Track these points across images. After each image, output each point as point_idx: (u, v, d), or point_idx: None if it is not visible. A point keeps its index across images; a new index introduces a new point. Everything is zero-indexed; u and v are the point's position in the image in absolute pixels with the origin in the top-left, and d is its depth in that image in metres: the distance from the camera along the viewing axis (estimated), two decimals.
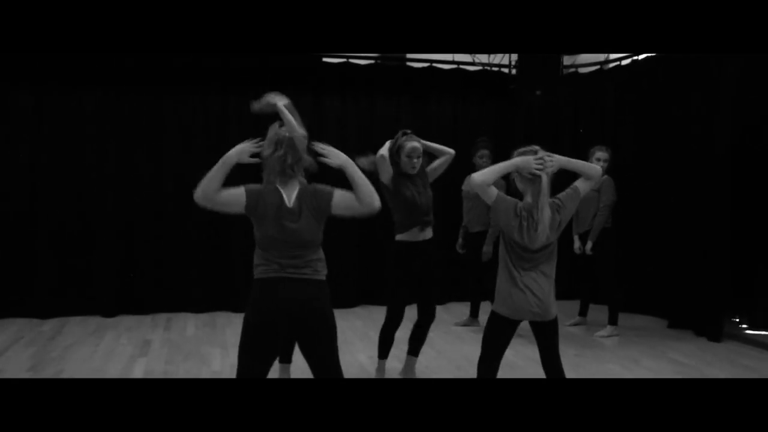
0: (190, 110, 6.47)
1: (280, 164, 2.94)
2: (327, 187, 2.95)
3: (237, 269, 6.47)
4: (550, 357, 3.36)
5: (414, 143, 4.16)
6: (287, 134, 3.04)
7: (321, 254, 2.96)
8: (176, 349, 5.24)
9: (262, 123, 6.54)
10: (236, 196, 2.92)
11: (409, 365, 4.40)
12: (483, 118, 6.99)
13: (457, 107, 6.98)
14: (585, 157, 5.84)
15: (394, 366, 4.59)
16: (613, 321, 5.74)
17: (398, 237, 4.25)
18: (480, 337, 3.50)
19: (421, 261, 4.23)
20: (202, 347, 5.34)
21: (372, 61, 6.82)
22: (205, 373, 4.65)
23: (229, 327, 5.99)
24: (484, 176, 3.19)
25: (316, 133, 4.35)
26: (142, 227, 6.40)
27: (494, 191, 3.21)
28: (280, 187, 2.93)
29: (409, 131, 4.22)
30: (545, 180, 3.20)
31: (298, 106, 6.55)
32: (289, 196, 2.91)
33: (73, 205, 6.24)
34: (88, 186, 6.28)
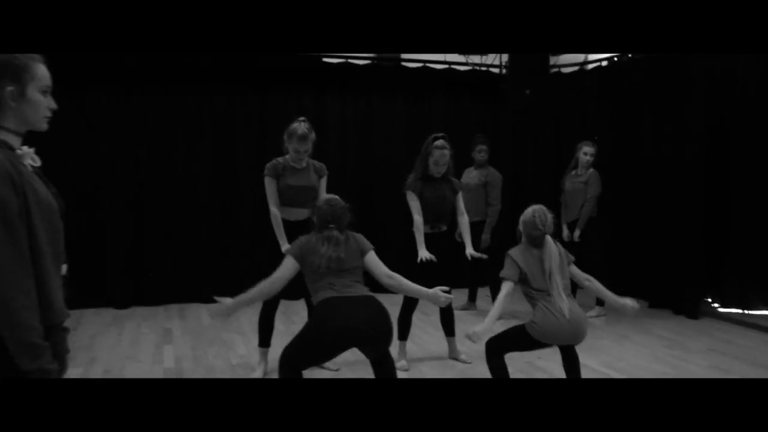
0: (194, 109, 6.69)
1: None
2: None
3: (244, 261, 6.74)
4: (571, 361, 3.76)
5: (442, 151, 4.56)
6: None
7: None
8: (198, 337, 5.51)
9: (266, 122, 6.90)
10: None
11: (451, 346, 4.90)
12: (473, 116, 7.41)
13: (450, 105, 7.39)
14: (572, 152, 6.35)
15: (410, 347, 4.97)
16: (600, 302, 6.23)
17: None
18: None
19: (437, 251, 4.64)
20: (222, 334, 5.61)
21: (369, 62, 7.17)
22: (233, 357, 4.95)
23: (243, 315, 6.24)
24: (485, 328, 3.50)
25: (318, 129, 4.74)
26: (152, 220, 6.61)
27: (510, 285, 3.58)
28: None
29: (441, 135, 4.61)
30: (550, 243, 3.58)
31: (300, 104, 6.94)
32: None
33: (84, 198, 6.40)
34: (99, 179, 6.44)
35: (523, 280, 3.61)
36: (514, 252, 3.67)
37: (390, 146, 7.18)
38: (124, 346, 5.19)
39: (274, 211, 4.43)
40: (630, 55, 6.77)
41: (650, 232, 6.61)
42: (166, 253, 6.64)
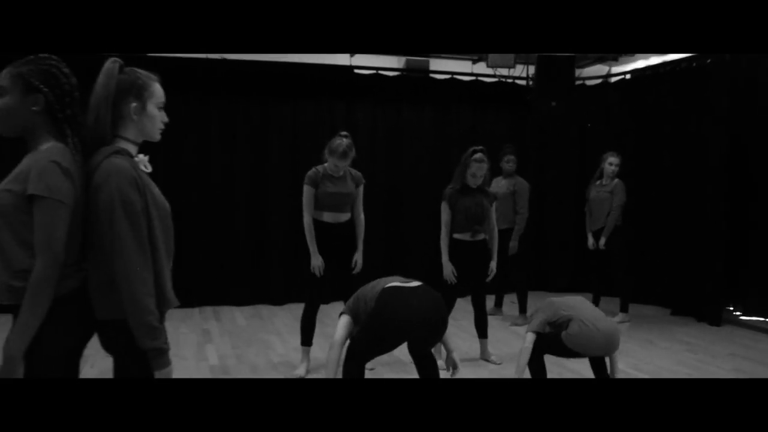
0: (230, 117, 6.92)
1: None
2: None
3: (274, 265, 6.97)
4: (598, 361, 3.99)
5: (480, 164, 4.80)
6: None
7: None
8: (236, 337, 5.71)
9: (299, 131, 7.14)
10: None
11: (483, 347, 5.12)
12: (499, 126, 7.61)
13: (476, 116, 7.59)
14: (596, 162, 6.54)
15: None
16: (624, 309, 6.39)
17: (455, 236, 4.87)
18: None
19: (472, 257, 4.87)
20: (259, 335, 5.82)
21: (399, 73, 7.40)
22: (273, 356, 5.15)
23: (276, 318, 6.48)
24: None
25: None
26: (188, 225, 6.83)
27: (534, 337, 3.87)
28: None
29: (480, 148, 4.84)
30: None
31: (332, 113, 7.19)
32: None
33: None
34: None
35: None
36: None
37: (418, 155, 7.40)
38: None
39: (308, 219, 4.62)
40: (652, 67, 6.97)
41: (673, 241, 6.78)
42: (199, 256, 6.84)
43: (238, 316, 6.57)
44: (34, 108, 2.04)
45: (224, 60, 6.80)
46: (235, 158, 6.90)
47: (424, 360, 3.66)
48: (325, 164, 4.67)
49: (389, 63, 7.41)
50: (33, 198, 1.94)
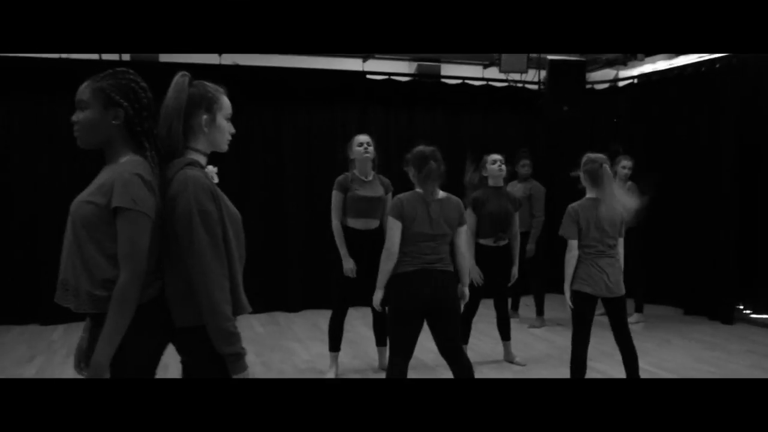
0: (246, 122, 6.94)
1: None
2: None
3: (291, 273, 7.01)
4: (620, 327, 4.07)
5: (495, 156, 4.89)
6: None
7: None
8: (258, 344, 5.73)
9: (314, 135, 7.18)
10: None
11: (507, 349, 5.18)
12: (509, 131, 7.69)
13: (487, 120, 7.67)
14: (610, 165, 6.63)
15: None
16: (639, 309, 6.48)
17: (480, 241, 4.94)
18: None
19: (495, 262, 4.94)
20: (281, 342, 5.84)
21: (411, 78, 7.46)
22: (298, 362, 5.18)
23: (294, 324, 6.52)
24: None
25: None
26: None
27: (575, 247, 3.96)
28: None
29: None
30: None
31: (346, 118, 7.24)
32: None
33: None
34: None
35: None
36: None
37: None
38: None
39: (336, 223, 4.68)
40: (660, 72, 7.08)
41: (684, 242, 6.89)
42: None
43: (255, 323, 6.59)
44: (114, 121, 2.09)
45: (237, 66, 6.83)
46: (250, 164, 6.93)
47: (454, 361, 3.67)
48: (354, 170, 4.73)
49: (401, 68, 7.48)
50: (118, 210, 1.98)
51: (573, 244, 3.93)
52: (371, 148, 4.74)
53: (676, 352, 5.41)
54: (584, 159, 4.03)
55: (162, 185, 2.08)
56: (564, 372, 4.71)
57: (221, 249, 2.05)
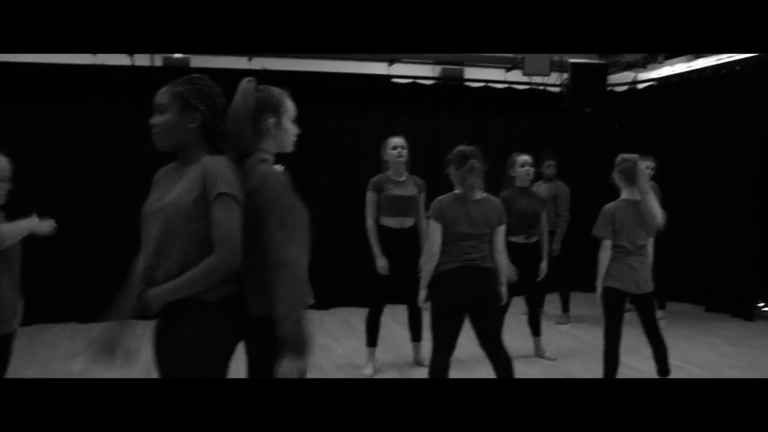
0: None
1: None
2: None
3: (321, 271, 7.13)
4: (649, 323, 4.24)
5: (525, 156, 5.04)
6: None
7: None
8: None
9: (342, 138, 7.34)
10: None
11: (537, 344, 5.34)
12: (532, 132, 7.84)
13: (510, 122, 7.83)
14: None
15: None
16: (662, 306, 6.59)
17: (510, 238, 5.08)
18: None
19: (526, 259, 5.08)
20: (316, 338, 5.97)
21: (435, 82, 7.63)
22: (335, 359, 5.33)
23: (325, 321, 6.66)
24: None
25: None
26: None
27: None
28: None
29: (517, 153, 5.13)
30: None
31: (372, 120, 7.39)
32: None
33: (135, 221, 6.79)
34: None
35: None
36: None
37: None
38: None
39: (370, 223, 4.83)
40: (679, 74, 7.23)
41: (705, 240, 7.03)
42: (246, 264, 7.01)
43: None
44: (191, 125, 2.21)
45: (266, 71, 6.99)
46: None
47: (496, 356, 3.82)
48: (388, 171, 4.88)
49: (425, 72, 7.64)
50: (220, 196, 2.09)
51: (607, 243, 4.07)
52: (405, 152, 4.90)
53: (701, 348, 5.55)
54: (618, 159, 4.17)
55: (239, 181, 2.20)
56: (593, 366, 4.88)
57: (298, 239, 2.19)
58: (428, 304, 3.81)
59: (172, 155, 2.28)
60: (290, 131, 2.41)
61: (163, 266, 2.16)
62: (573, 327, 6.40)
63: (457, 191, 3.76)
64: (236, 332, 2.23)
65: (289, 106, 2.40)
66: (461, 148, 3.83)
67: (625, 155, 4.19)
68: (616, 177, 4.17)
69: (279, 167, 2.43)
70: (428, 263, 3.73)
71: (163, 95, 2.23)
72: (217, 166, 2.15)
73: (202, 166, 2.17)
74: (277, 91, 2.38)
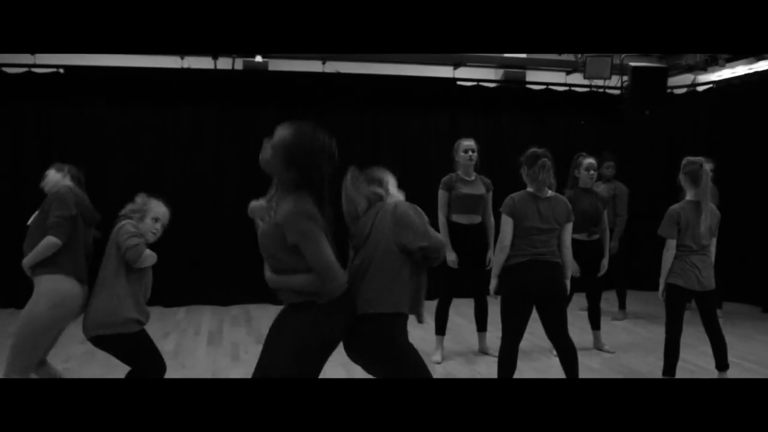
0: (346, 126, 7.49)
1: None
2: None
3: None
4: (709, 319, 4.46)
5: (590, 160, 5.30)
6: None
7: None
8: None
9: (409, 138, 7.68)
10: None
11: (597, 338, 5.61)
12: (591, 134, 8.05)
13: (570, 124, 8.06)
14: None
15: None
16: (718, 306, 6.74)
17: (573, 236, 5.36)
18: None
19: (588, 256, 5.34)
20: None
21: (498, 84, 7.92)
22: None
23: None
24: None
25: (451, 145, 5.43)
26: None
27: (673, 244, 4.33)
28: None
29: (584, 153, 5.36)
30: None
31: (438, 122, 7.72)
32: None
33: (212, 214, 7.30)
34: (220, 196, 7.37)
35: None
36: None
37: (516, 161, 7.87)
38: None
39: (442, 219, 5.17)
40: (740, 77, 7.34)
41: (764, 242, 7.13)
42: None
43: None
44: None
45: (339, 74, 7.41)
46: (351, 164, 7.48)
47: (562, 345, 4.11)
48: (458, 171, 5.22)
49: (488, 75, 7.93)
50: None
51: (671, 243, 4.30)
52: (475, 155, 5.22)
53: (759, 347, 5.72)
54: (684, 161, 4.39)
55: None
56: (651, 360, 5.14)
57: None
58: (494, 295, 4.13)
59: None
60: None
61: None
62: (629, 323, 6.62)
63: (528, 189, 4.06)
64: (338, 331, 2.64)
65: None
66: (534, 149, 4.13)
67: (691, 158, 4.40)
68: (682, 179, 4.39)
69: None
70: (499, 255, 4.04)
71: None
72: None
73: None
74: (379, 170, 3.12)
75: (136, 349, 3.42)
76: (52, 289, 3.36)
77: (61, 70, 7.00)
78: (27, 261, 3.42)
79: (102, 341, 3.35)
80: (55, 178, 3.64)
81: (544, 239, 3.97)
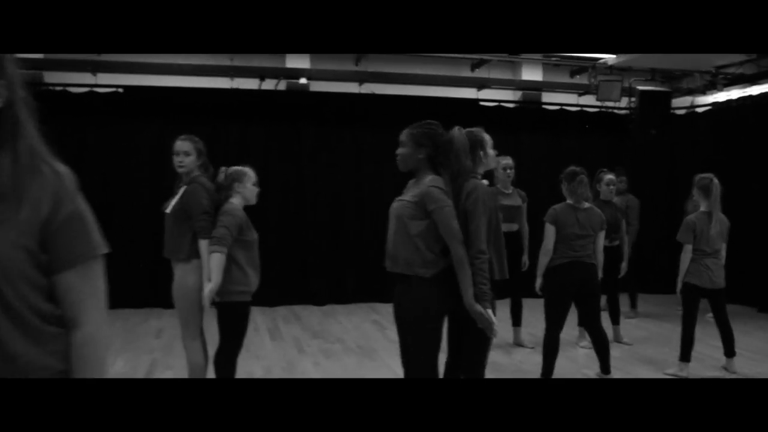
0: (379, 141, 8.16)
1: None
2: None
3: None
4: (720, 313, 5.20)
5: (610, 176, 6.01)
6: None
7: None
8: None
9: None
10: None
11: (616, 332, 6.29)
12: (600, 151, 8.77)
13: (581, 142, 8.79)
14: (688, 183, 7.69)
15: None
16: None
17: None
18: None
19: (609, 260, 6.01)
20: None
21: (516, 105, 8.67)
22: None
23: None
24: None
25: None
26: (348, 232, 8.11)
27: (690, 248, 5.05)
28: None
29: (605, 169, 6.07)
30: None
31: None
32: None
33: (259, 221, 7.95)
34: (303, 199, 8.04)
35: None
36: None
37: (534, 176, 8.56)
38: (351, 331, 6.68)
39: None
40: (735, 100, 8.14)
41: (759, 246, 7.90)
42: (362, 258, 8.07)
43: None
44: (419, 156, 3.28)
45: (373, 94, 8.11)
46: (385, 180, 8.11)
47: (595, 333, 4.82)
48: (498, 185, 5.90)
49: (508, 96, 8.68)
50: (433, 211, 3.14)
51: (688, 247, 5.03)
52: (512, 171, 5.91)
53: (756, 341, 6.43)
54: (696, 177, 5.13)
55: (456, 191, 3.23)
56: (664, 350, 5.85)
57: (491, 231, 3.26)
58: (539, 292, 4.82)
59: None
60: (491, 155, 3.47)
61: (399, 251, 3.23)
62: (641, 321, 7.34)
63: (568, 201, 4.77)
64: (446, 302, 3.15)
65: (487, 139, 3.45)
66: (572, 167, 4.85)
67: (703, 174, 5.14)
68: (695, 192, 5.12)
69: (485, 182, 3.45)
70: (543, 257, 4.74)
71: (404, 135, 3.29)
72: (424, 188, 3.15)
73: (421, 185, 3.20)
74: (478, 130, 3.43)
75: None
76: None
77: (121, 90, 7.60)
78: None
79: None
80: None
81: (582, 244, 4.67)
